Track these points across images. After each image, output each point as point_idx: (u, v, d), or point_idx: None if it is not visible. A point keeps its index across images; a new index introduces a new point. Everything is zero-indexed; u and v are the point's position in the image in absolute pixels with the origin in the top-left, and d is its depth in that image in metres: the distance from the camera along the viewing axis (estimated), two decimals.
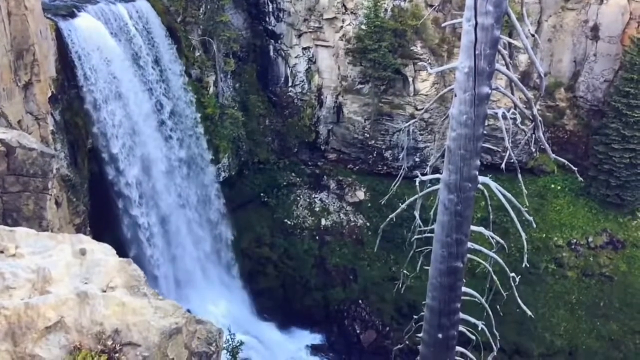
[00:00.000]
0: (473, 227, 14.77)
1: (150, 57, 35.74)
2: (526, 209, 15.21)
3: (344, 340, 43.75)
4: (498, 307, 17.22)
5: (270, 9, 45.82)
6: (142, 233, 35.44)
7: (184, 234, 39.70)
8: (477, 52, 11.85)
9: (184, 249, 39.75)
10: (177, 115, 38.47)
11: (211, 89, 42.07)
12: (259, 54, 47.23)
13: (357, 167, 49.38)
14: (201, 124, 40.46)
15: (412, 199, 15.91)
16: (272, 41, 46.81)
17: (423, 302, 15.85)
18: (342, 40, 45.39)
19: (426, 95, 45.11)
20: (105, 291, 8.95)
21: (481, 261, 16.48)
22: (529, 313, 16.91)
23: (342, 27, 45.13)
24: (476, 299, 16.23)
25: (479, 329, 16.54)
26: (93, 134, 32.33)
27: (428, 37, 44.11)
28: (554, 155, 14.08)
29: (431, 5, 43.20)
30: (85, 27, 30.42)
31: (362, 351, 43.17)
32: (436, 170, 15.88)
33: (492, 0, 11.44)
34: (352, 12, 44.52)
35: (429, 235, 15.28)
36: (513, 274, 15.61)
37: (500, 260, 15.85)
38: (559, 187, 47.52)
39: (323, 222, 47.19)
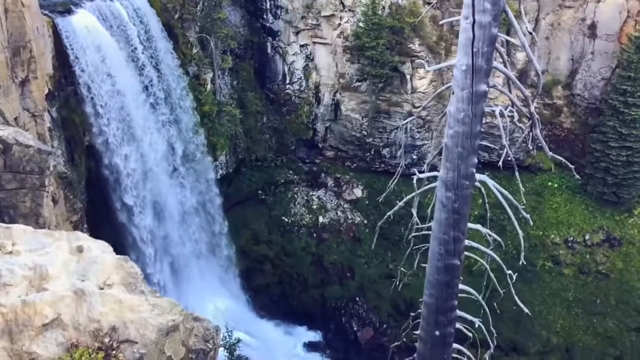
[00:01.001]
0: (470, 225, 14.80)
1: (162, 93, 33.76)
2: (523, 206, 15.26)
3: (341, 337, 43.71)
4: (495, 304, 17.26)
5: (268, 6, 45.70)
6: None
7: (195, 280, 39.10)
8: (474, 50, 11.86)
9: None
10: (189, 161, 37.24)
11: (208, 86, 41.96)
12: (256, 51, 47.11)
13: (354, 165, 49.35)
14: (212, 171, 39.54)
15: (409, 196, 15.95)
16: (270, 38, 46.70)
17: (420, 300, 15.89)
18: (339, 37, 45.31)
19: (424, 92, 45.09)
20: (102, 288, 8.94)
21: (478, 259, 16.52)
22: (526, 310, 16.97)
23: (339, 24, 45.05)
24: (473, 297, 16.29)
25: (476, 326, 16.61)
26: (103, 177, 31.17)
27: (426, 35, 44.08)
28: (551, 153, 14.10)
29: (429, 3, 43.16)
30: (95, 48, 28.67)
31: (359, 348, 43.14)
32: (434, 167, 15.88)
33: None
34: (349, 10, 44.45)
35: (427, 232, 15.32)
36: (510, 272, 15.66)
37: (497, 258, 15.91)
38: (556, 185, 47.59)
39: (320, 219, 47.16)
